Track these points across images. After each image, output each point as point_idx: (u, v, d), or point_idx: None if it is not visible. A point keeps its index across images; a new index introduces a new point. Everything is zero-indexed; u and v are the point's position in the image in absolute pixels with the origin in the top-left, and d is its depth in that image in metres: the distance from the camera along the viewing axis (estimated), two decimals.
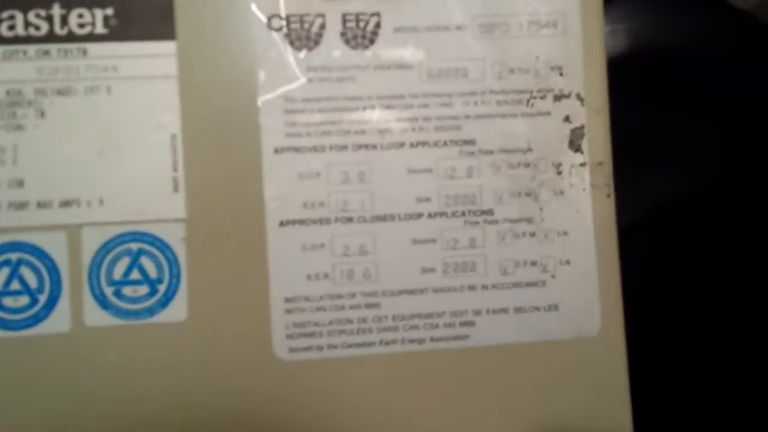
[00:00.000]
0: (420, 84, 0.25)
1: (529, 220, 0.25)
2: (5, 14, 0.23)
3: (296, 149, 0.24)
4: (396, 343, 0.25)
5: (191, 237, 0.24)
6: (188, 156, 0.24)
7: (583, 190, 0.25)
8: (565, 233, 0.25)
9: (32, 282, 0.23)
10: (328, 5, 0.25)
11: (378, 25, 0.25)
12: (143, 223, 0.24)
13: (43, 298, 0.23)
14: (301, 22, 0.24)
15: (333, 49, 0.25)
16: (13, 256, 0.23)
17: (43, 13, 0.23)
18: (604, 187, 0.25)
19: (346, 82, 0.25)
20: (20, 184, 0.23)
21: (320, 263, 0.24)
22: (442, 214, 0.25)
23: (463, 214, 0.25)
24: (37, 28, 0.23)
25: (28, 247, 0.23)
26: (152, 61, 0.24)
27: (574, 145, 0.25)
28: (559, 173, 0.25)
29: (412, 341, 0.25)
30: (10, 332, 0.23)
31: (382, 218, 0.25)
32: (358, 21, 0.25)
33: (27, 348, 0.23)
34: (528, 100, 0.25)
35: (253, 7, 0.24)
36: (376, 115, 0.25)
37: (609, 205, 0.25)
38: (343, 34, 0.25)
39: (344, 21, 0.25)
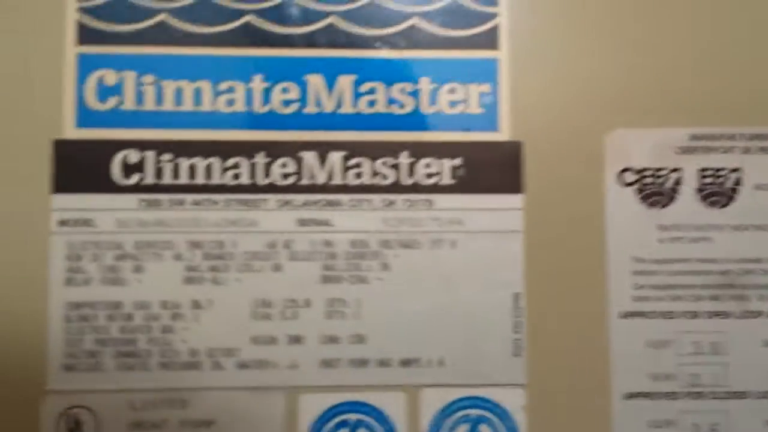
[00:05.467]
0: None
1: None
2: (353, 161, 0.22)
3: (644, 314, 0.22)
4: None
5: (531, 405, 0.22)
6: (531, 317, 0.22)
7: None
8: None
9: None
10: (684, 159, 0.23)
11: (738, 182, 0.23)
12: (483, 387, 0.22)
13: None
14: (655, 176, 0.23)
15: (688, 207, 0.23)
16: (352, 417, 0.22)
17: (391, 161, 0.23)
18: None
19: (701, 243, 0.23)
20: (362, 339, 0.22)
21: None
22: None
23: None
24: (384, 177, 0.23)
25: (367, 408, 0.22)
26: (498, 214, 0.23)
27: None
28: None
29: None
30: None
31: (736, 395, 0.22)
32: (716, 177, 0.23)
33: None
34: None
35: (604, 160, 0.23)
36: (732, 280, 0.22)
37: None
38: (699, 191, 0.23)
39: (701, 176, 0.23)
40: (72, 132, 0.22)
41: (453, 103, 0.23)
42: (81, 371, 0.21)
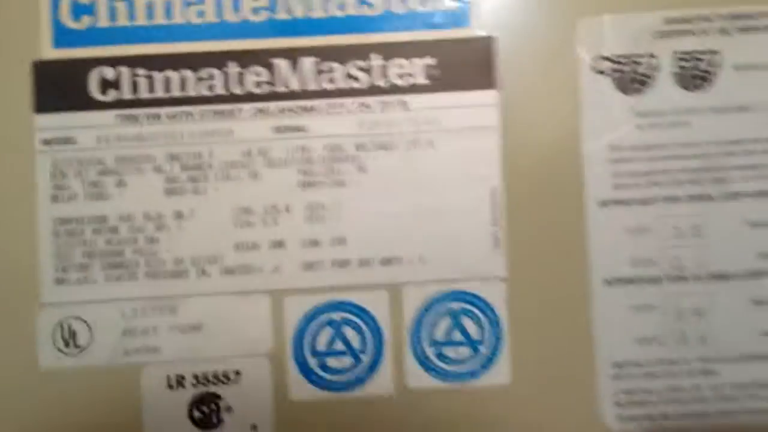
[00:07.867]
0: (763, 128, 0.22)
1: None
2: (325, 66, 0.23)
3: (623, 202, 0.22)
4: (735, 414, 0.22)
5: (512, 296, 0.22)
6: (509, 210, 0.23)
7: None
8: None
9: (355, 342, 0.22)
10: (659, 44, 0.23)
11: (716, 63, 0.22)
12: (464, 281, 0.23)
13: (366, 359, 0.22)
14: (630, 63, 0.22)
15: (665, 92, 0.22)
16: (337, 316, 0.22)
17: (362, 64, 0.23)
18: None
19: (679, 128, 0.22)
20: (342, 241, 0.23)
21: (651, 326, 0.22)
22: None
23: None
24: (357, 80, 0.23)
25: (351, 307, 0.22)
26: (473, 111, 0.23)
27: None
28: None
29: (753, 412, 0.22)
30: (334, 393, 0.22)
31: (718, 277, 0.22)
32: (693, 60, 0.22)
33: (351, 410, 0.22)
34: None
35: (577, 49, 0.22)
36: (712, 163, 0.22)
37: None
38: (676, 75, 0.22)
39: (678, 61, 0.22)
40: (50, 52, 0.22)
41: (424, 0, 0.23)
42: (72, 284, 0.22)
